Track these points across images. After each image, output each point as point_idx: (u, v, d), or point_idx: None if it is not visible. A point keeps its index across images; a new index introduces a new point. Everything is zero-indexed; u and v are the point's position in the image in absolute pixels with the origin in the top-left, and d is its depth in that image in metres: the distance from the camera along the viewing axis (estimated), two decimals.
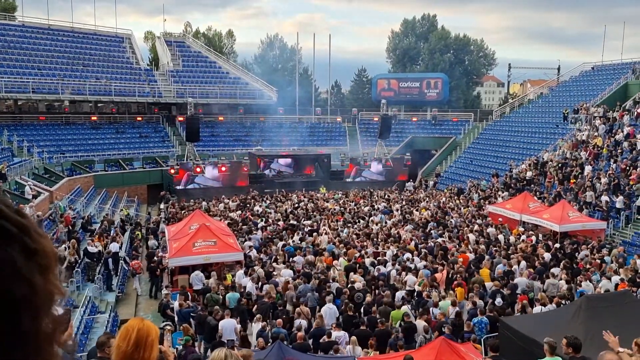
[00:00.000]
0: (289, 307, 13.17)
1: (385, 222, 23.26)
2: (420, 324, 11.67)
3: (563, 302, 12.37)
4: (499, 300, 12.91)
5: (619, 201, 22.41)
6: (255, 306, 13.02)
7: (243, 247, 17.89)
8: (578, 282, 14.37)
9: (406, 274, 15.02)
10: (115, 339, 2.21)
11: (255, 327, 11.74)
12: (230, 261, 16.75)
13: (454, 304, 12.62)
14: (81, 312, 13.25)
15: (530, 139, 36.14)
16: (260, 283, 14.84)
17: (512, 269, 15.67)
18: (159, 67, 48.34)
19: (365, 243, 19.06)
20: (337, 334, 10.88)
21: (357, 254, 17.19)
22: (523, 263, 16.01)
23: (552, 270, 15.18)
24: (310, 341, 11.03)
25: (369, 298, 13.07)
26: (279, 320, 11.69)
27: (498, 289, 13.51)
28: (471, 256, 17.08)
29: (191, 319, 12.65)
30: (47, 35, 42.59)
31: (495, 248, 18.03)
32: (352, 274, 14.86)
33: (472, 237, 19.77)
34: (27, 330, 0.83)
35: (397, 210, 25.76)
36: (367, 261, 16.53)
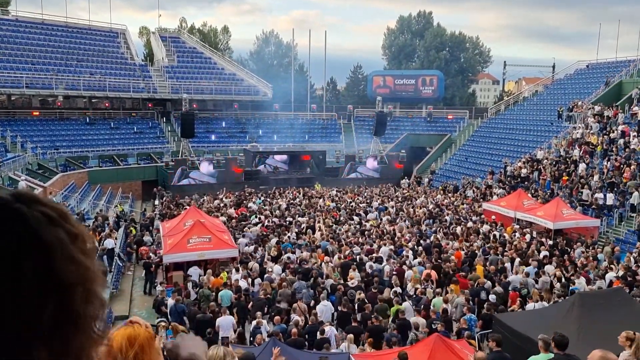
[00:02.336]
0: (283, 304, 13.15)
1: (380, 219, 23.30)
2: (414, 320, 11.69)
3: (556, 299, 12.44)
4: (492, 297, 12.97)
5: (612, 198, 22.54)
6: (251, 303, 13.02)
7: (238, 244, 17.88)
8: (572, 279, 14.44)
9: (407, 269, 15.12)
10: (113, 345, 2.16)
11: (253, 323, 11.73)
12: (225, 258, 16.73)
13: (445, 301, 12.67)
14: None
15: (525, 137, 36.24)
16: (251, 279, 14.84)
17: (505, 265, 15.74)
18: (154, 63, 48.11)
19: (360, 240, 19.08)
20: (326, 329, 10.92)
21: (349, 251, 17.20)
22: (517, 260, 16.08)
23: (546, 267, 15.25)
24: (306, 337, 11.04)
25: (362, 295, 13.09)
26: (277, 317, 11.71)
27: (482, 285, 13.57)
28: (464, 253, 17.15)
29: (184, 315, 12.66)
30: (40, 30, 42.28)
31: (488, 245, 18.10)
32: (350, 271, 14.87)
33: (466, 234, 19.84)
34: (79, 312, 0.87)
35: (392, 207, 25.80)
36: (361, 258, 16.55)
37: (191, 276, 15.33)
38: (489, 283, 14.14)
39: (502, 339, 8.83)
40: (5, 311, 0.80)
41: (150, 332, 2.18)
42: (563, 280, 14.35)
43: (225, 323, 11.46)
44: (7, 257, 0.81)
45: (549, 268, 15.20)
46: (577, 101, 35.23)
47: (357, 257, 16.70)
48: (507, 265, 15.86)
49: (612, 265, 15.73)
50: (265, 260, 16.70)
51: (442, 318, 11.71)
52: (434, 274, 14.95)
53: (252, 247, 18.11)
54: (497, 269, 15.45)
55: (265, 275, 15.02)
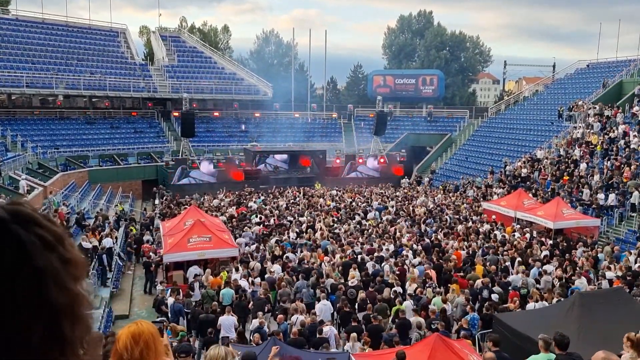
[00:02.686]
0: (282, 304, 13.14)
1: (380, 219, 23.28)
2: (415, 320, 11.69)
3: (559, 298, 12.44)
4: (495, 296, 12.97)
5: (610, 198, 22.53)
6: (251, 302, 13.02)
7: (238, 243, 17.88)
8: (572, 279, 14.43)
9: (409, 269, 15.12)
10: (118, 344, 2.15)
11: (255, 322, 11.72)
12: (225, 257, 16.73)
13: (445, 301, 12.67)
14: None
15: (525, 136, 36.23)
16: (251, 279, 14.83)
17: (506, 265, 15.74)
18: (154, 62, 48.10)
19: (360, 239, 19.07)
20: (325, 329, 10.91)
21: (350, 250, 17.20)
22: (517, 260, 16.07)
23: (546, 267, 15.25)
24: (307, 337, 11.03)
25: (363, 294, 13.08)
26: (280, 316, 11.71)
27: (486, 285, 13.56)
28: (464, 253, 17.14)
29: (184, 314, 12.66)
30: (41, 30, 42.29)
31: (488, 245, 18.09)
32: (351, 270, 14.88)
33: (466, 233, 19.83)
34: (67, 338, 0.87)
35: (392, 207, 25.79)
36: (362, 257, 16.55)
37: (200, 275, 15.27)
38: (489, 283, 14.12)
39: (501, 338, 8.84)
40: None
41: (155, 328, 2.19)
42: (563, 280, 14.33)
43: (227, 323, 11.45)
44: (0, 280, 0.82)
45: (550, 268, 15.19)
46: (578, 101, 35.22)
47: (358, 256, 16.69)
48: (507, 265, 15.84)
49: (611, 265, 15.73)
50: (266, 260, 16.68)
51: (440, 317, 11.71)
52: (433, 273, 14.96)
53: (252, 247, 18.11)
54: (497, 269, 15.45)
55: (266, 275, 15.01)
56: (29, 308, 0.83)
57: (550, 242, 18.82)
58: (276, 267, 15.48)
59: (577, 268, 15.29)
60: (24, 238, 0.84)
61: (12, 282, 0.82)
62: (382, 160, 37.63)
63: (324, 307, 12.35)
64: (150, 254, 18.22)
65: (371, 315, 11.60)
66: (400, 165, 38.16)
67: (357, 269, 14.92)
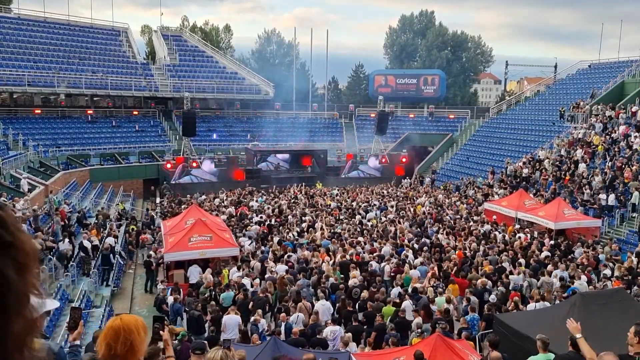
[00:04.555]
0: (285, 303, 13.13)
1: (381, 218, 23.28)
2: (414, 319, 11.68)
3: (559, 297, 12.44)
4: (492, 297, 12.96)
5: (611, 198, 22.51)
6: (251, 302, 13.00)
7: (239, 242, 17.88)
8: (572, 280, 14.41)
9: (410, 269, 15.12)
10: (103, 338, 2.21)
11: (252, 320, 11.72)
12: (226, 256, 16.75)
13: (448, 300, 12.65)
14: (80, 306, 13.22)
15: (527, 137, 36.20)
16: (253, 278, 14.83)
17: (504, 265, 15.72)
18: (156, 62, 48.14)
19: (360, 239, 19.06)
20: (333, 329, 10.89)
21: (353, 250, 17.20)
22: (518, 260, 16.06)
23: (548, 267, 15.24)
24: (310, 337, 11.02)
25: (365, 294, 13.08)
26: (283, 314, 11.71)
27: (486, 285, 13.56)
28: (465, 253, 17.13)
29: (182, 315, 12.66)
30: (43, 28, 42.36)
31: (488, 245, 18.07)
32: (352, 270, 14.87)
33: (466, 234, 19.82)
34: (2, 326, 0.78)
35: (392, 207, 25.78)
36: (363, 257, 16.55)
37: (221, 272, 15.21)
38: (489, 283, 14.12)
39: (501, 339, 8.84)
40: None
41: (137, 321, 2.24)
42: (564, 280, 14.31)
43: (232, 322, 11.39)
44: None
45: (551, 268, 15.17)
46: (580, 101, 35.20)
47: (359, 256, 16.69)
48: (509, 265, 15.82)
49: (608, 263, 15.73)
50: (268, 259, 16.67)
51: (444, 317, 11.67)
52: (434, 273, 14.94)
53: (253, 246, 18.11)
54: (497, 269, 15.43)
55: (267, 275, 15.00)
56: None
57: (552, 242, 18.80)
58: (281, 267, 15.43)
59: (578, 268, 15.27)
60: None
61: None
62: (383, 160, 37.66)
63: (322, 307, 12.31)
64: (151, 252, 18.25)
65: (377, 315, 11.56)
66: (401, 165, 38.18)
67: (356, 269, 14.91)
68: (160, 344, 3.60)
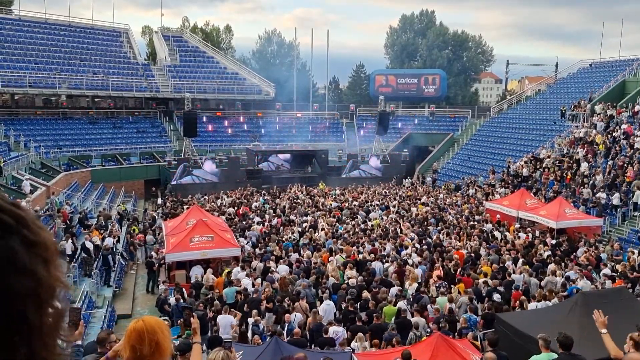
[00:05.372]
0: (287, 302, 13.13)
1: (382, 218, 23.27)
2: (415, 319, 11.68)
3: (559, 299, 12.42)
4: (497, 296, 12.95)
5: (615, 198, 22.49)
6: (246, 304, 12.97)
7: (240, 243, 17.88)
8: (573, 278, 14.39)
9: (415, 267, 15.11)
10: (127, 342, 2.19)
11: (250, 321, 11.72)
12: (228, 257, 16.75)
13: (450, 300, 12.64)
14: (78, 307, 13.24)
15: (528, 136, 36.18)
16: (254, 278, 14.82)
17: (506, 265, 15.71)
18: (157, 62, 48.19)
19: (362, 239, 19.04)
20: (336, 329, 10.89)
21: (353, 250, 17.19)
22: (520, 260, 16.04)
23: (549, 266, 15.22)
24: (311, 337, 11.02)
25: (366, 294, 13.06)
26: (287, 315, 11.71)
27: (495, 286, 13.53)
28: (466, 253, 17.11)
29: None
30: (44, 30, 42.41)
31: (491, 245, 18.06)
32: (347, 270, 14.88)
33: (468, 233, 19.80)
34: (32, 324, 0.84)
35: (394, 206, 25.77)
36: (364, 257, 16.54)
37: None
38: (489, 282, 14.09)
39: (500, 338, 8.83)
40: None
41: (161, 323, 2.22)
42: (565, 279, 14.29)
43: (224, 322, 11.42)
44: None
45: (553, 267, 15.16)
46: (581, 100, 35.17)
47: (361, 256, 16.69)
48: (510, 264, 15.81)
49: (608, 263, 15.72)
50: (269, 260, 16.66)
51: (447, 317, 11.66)
52: (435, 273, 14.92)
53: (250, 245, 18.12)
54: (499, 269, 15.41)
55: (268, 275, 14.99)
56: None
57: (553, 241, 18.78)
58: (283, 267, 15.42)
59: (578, 267, 15.26)
60: None
61: None
62: (385, 159, 37.68)
63: (327, 307, 12.33)
64: (152, 253, 18.27)
65: (374, 315, 11.58)
66: (402, 164, 38.18)
67: (353, 269, 14.89)
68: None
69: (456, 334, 11.20)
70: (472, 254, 16.93)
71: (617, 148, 26.67)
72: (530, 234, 19.69)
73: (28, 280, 0.83)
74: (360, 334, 10.54)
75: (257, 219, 22.50)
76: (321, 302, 12.81)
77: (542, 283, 14.15)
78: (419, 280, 14.38)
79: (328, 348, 10.04)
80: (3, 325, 0.80)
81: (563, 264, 15.74)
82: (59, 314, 0.89)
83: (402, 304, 12.40)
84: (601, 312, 5.99)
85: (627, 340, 6.28)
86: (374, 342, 10.52)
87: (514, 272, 15.03)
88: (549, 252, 17.04)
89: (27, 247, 0.84)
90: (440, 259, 16.24)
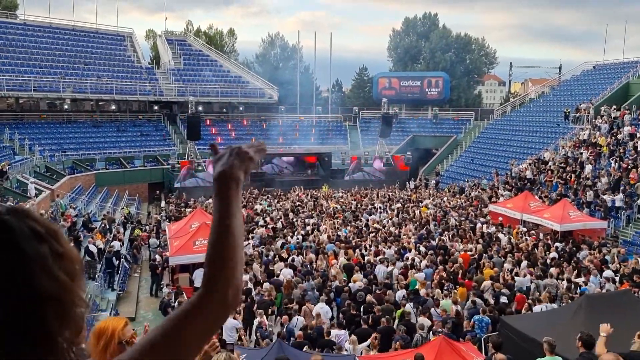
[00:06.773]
0: (292, 305, 13.12)
1: (387, 221, 23.23)
2: (421, 320, 11.64)
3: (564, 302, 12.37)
4: (504, 299, 12.90)
5: (619, 200, 22.39)
6: (256, 305, 13.00)
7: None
8: (579, 281, 14.34)
9: (415, 272, 15.07)
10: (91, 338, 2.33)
11: (255, 322, 11.71)
12: None
13: (455, 302, 12.60)
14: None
15: (531, 138, 36.11)
16: (255, 281, 14.83)
17: (510, 267, 15.65)
18: (160, 66, 48.36)
19: (365, 242, 19.02)
20: (338, 333, 10.86)
21: (357, 253, 17.17)
22: (524, 262, 15.99)
23: (552, 270, 15.17)
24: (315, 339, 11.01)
25: (370, 297, 13.05)
26: (285, 317, 11.70)
27: (499, 289, 13.50)
28: (471, 255, 17.07)
29: None
30: (48, 34, 42.64)
31: (495, 248, 18.00)
32: (356, 273, 14.84)
33: (472, 236, 19.76)
34: (51, 330, 0.87)
35: (397, 209, 25.73)
36: (368, 260, 16.52)
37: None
38: (490, 285, 14.04)
39: (506, 341, 8.80)
40: None
41: (119, 324, 2.37)
42: (568, 283, 14.24)
43: (229, 325, 11.40)
44: None
45: (555, 270, 15.11)
46: (582, 103, 35.08)
47: (365, 259, 16.68)
48: (514, 267, 15.76)
49: (611, 265, 15.65)
50: (272, 262, 16.67)
51: (454, 319, 11.61)
52: (439, 276, 14.89)
53: (258, 249, 18.12)
54: (504, 271, 15.36)
55: (271, 278, 14.98)
56: (13, 292, 0.83)
57: (557, 244, 18.71)
58: (286, 270, 15.40)
59: (580, 270, 15.20)
60: (13, 225, 0.87)
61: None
62: (388, 162, 37.65)
63: (321, 311, 12.24)
64: (156, 256, 18.30)
65: (385, 317, 11.53)
66: (406, 167, 38.15)
67: (359, 272, 14.87)
68: None
69: (460, 337, 11.16)
70: (476, 256, 16.89)
71: (621, 150, 26.58)
72: (534, 237, 19.62)
73: (53, 285, 0.87)
74: (353, 337, 10.48)
75: (261, 221, 22.51)
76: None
77: (542, 284, 14.09)
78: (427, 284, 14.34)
79: (328, 351, 10.03)
80: (22, 325, 0.84)
81: (570, 267, 15.67)
82: (79, 326, 0.93)
83: (408, 306, 12.38)
84: (609, 325, 6.16)
85: (636, 339, 6.31)
86: (374, 343, 10.48)
87: (517, 275, 14.98)
88: (554, 255, 16.96)
89: (54, 256, 0.90)
90: (444, 261, 16.21)
